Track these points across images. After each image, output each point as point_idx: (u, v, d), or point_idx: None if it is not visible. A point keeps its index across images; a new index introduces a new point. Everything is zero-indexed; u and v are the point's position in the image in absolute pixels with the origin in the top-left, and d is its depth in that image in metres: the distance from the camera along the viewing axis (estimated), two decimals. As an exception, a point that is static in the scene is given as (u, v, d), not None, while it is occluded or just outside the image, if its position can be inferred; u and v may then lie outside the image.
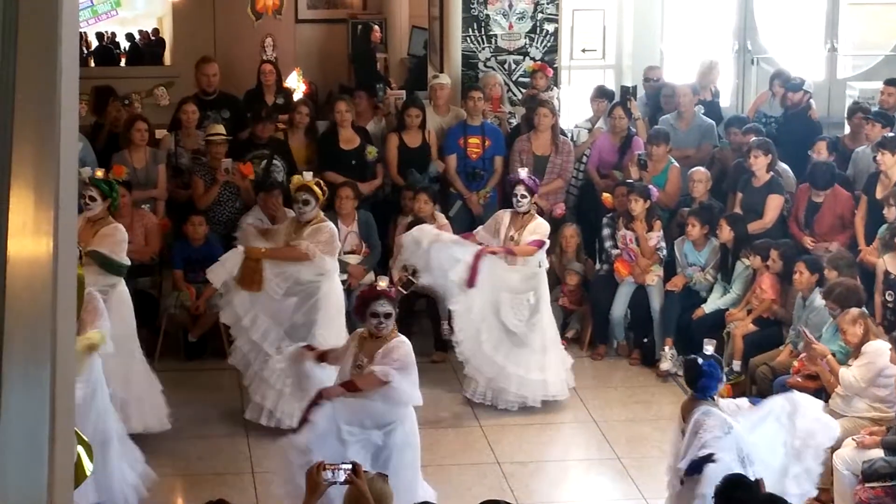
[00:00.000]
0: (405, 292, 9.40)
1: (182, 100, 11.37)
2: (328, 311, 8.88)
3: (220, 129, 10.64)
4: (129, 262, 8.74)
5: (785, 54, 13.59)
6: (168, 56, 18.98)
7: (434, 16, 12.59)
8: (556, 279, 10.60)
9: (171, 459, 8.62)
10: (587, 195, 11.36)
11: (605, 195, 10.76)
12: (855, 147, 10.91)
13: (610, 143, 11.32)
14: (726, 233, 10.00)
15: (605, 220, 10.59)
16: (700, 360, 6.78)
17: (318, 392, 7.21)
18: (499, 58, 12.02)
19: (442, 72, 11.92)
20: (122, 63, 20.45)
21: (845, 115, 11.84)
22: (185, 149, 10.91)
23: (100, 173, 8.97)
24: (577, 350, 10.55)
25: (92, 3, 17.18)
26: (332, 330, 8.72)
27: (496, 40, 12.00)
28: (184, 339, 10.31)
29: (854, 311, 8.22)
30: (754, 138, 10.58)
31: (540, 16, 12.00)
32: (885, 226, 9.44)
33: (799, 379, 8.48)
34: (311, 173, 9.38)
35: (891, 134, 10.15)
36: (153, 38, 20.95)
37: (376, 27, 16.02)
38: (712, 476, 6.20)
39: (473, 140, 11.05)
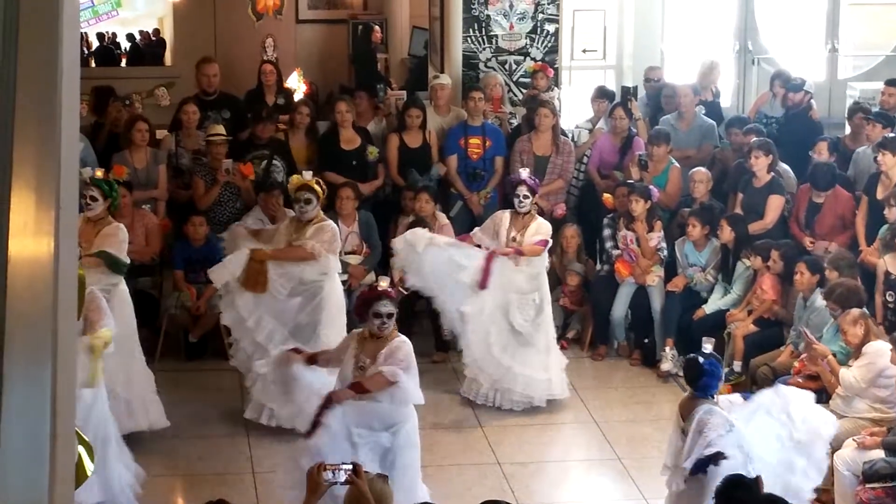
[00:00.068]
0: (406, 293, 9.43)
1: (183, 100, 11.37)
2: (331, 311, 8.90)
3: (220, 129, 10.64)
4: (129, 261, 8.76)
5: (786, 55, 13.59)
6: (169, 56, 18.99)
7: (435, 16, 12.59)
8: (556, 280, 10.60)
9: (171, 459, 8.63)
10: (588, 196, 11.36)
11: (606, 196, 10.76)
12: (855, 147, 10.91)
13: (611, 144, 11.32)
14: (727, 233, 10.00)
15: (605, 221, 10.59)
16: (701, 359, 6.78)
17: (328, 396, 7.17)
18: (499, 58, 12.02)
19: (442, 72, 11.92)
20: (123, 63, 20.46)
21: (846, 116, 11.84)
22: (185, 149, 10.91)
23: (99, 173, 8.97)
24: (577, 350, 10.57)
25: (93, 3, 17.20)
26: (335, 329, 8.72)
27: (497, 41, 12.00)
28: (184, 340, 10.31)
29: (855, 311, 8.21)
30: (755, 139, 10.57)
31: (541, 16, 12.00)
32: (885, 226, 9.44)
33: (800, 380, 8.48)
34: (310, 172, 9.38)
35: (891, 134, 10.14)
36: (154, 38, 20.96)
37: (377, 27, 16.03)
38: (724, 473, 6.22)
39: (474, 140, 11.05)
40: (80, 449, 3.70)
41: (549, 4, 11.98)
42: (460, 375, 9.64)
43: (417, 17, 15.14)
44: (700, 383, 6.76)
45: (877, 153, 9.97)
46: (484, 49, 11.99)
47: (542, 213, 10.21)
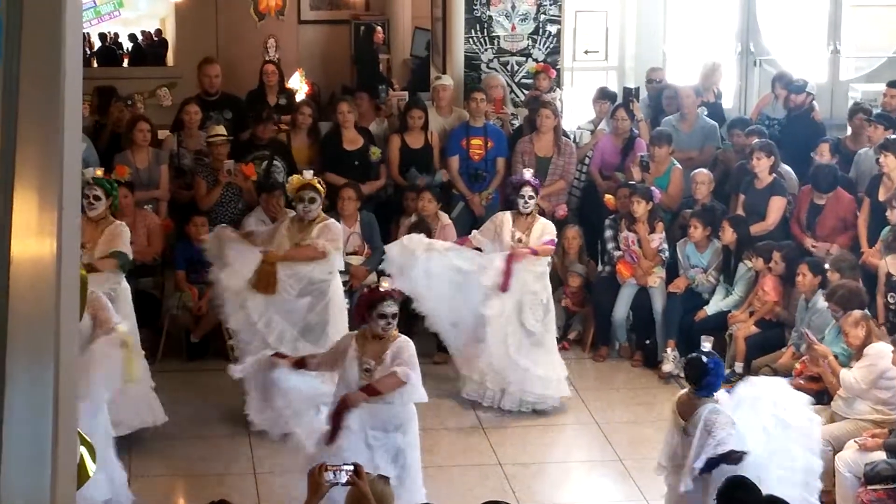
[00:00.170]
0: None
1: (184, 100, 11.38)
2: (335, 311, 8.92)
3: (221, 129, 10.64)
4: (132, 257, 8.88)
5: (787, 56, 13.59)
6: (171, 57, 19.00)
7: (437, 17, 12.60)
8: (558, 281, 10.60)
9: (172, 460, 8.64)
10: (589, 197, 11.36)
11: (608, 197, 10.76)
12: (856, 148, 10.91)
13: (612, 145, 11.32)
14: (729, 234, 10.00)
15: (607, 222, 10.59)
16: (704, 359, 6.79)
17: (342, 400, 7.12)
18: (501, 59, 12.02)
19: (444, 73, 11.92)
20: (125, 63, 20.50)
21: (847, 117, 11.84)
22: (187, 149, 10.92)
23: (99, 172, 9.00)
24: (579, 352, 10.57)
25: (95, 3, 17.19)
26: (339, 328, 8.74)
27: (499, 41, 12.00)
28: (186, 340, 10.31)
29: (856, 313, 8.21)
30: (757, 140, 10.57)
31: (543, 17, 12.00)
32: (887, 228, 9.44)
33: (801, 381, 8.48)
34: (310, 172, 9.38)
35: (894, 136, 10.14)
36: (156, 38, 20.97)
37: (379, 28, 16.02)
38: (749, 467, 6.36)
39: (476, 141, 11.05)
40: (82, 449, 3.70)
41: (551, 5, 11.98)
42: (461, 376, 9.62)
43: (419, 18, 15.13)
44: (704, 382, 6.77)
45: (879, 155, 9.97)
46: (486, 50, 11.99)
47: (542, 213, 10.20)
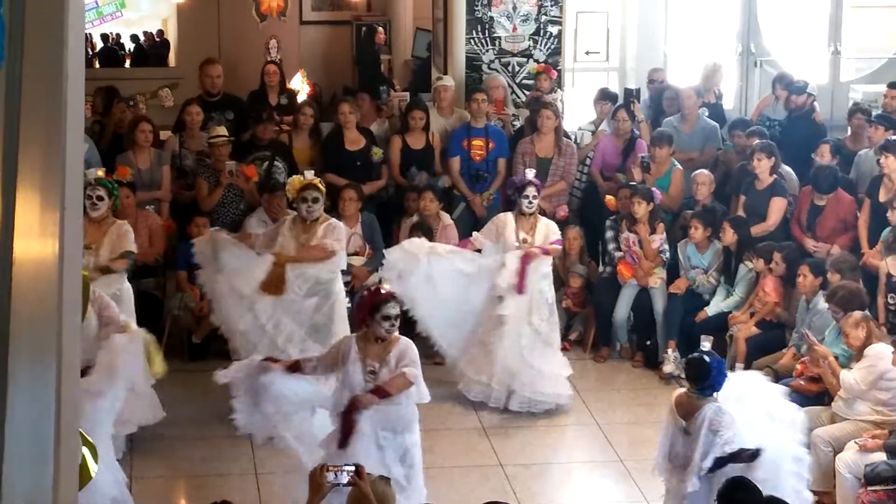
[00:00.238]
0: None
1: (186, 101, 11.38)
2: (340, 310, 8.94)
3: (222, 130, 10.65)
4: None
5: (788, 57, 13.59)
6: (172, 57, 19.01)
7: (438, 18, 12.61)
8: (559, 281, 10.60)
9: (173, 461, 8.64)
10: (590, 197, 11.37)
11: (609, 197, 10.77)
12: (856, 148, 10.92)
13: (613, 146, 11.32)
14: (729, 235, 10.00)
15: (608, 223, 10.59)
16: (707, 358, 6.79)
17: (352, 402, 7.09)
18: (502, 60, 12.03)
19: (446, 74, 11.93)
20: (127, 64, 20.49)
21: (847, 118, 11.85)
22: (189, 150, 10.93)
23: (101, 173, 9.01)
24: (580, 352, 10.57)
25: (97, 4, 17.22)
26: (342, 327, 8.75)
27: (500, 42, 12.01)
28: (187, 341, 10.32)
29: (857, 314, 8.22)
30: (758, 141, 10.58)
31: (544, 18, 12.01)
32: (888, 229, 9.45)
33: (802, 382, 8.48)
34: (311, 172, 9.39)
35: (894, 137, 10.15)
36: (158, 39, 20.97)
37: (380, 29, 16.02)
38: (766, 463, 6.45)
39: (477, 142, 11.06)
40: (84, 450, 3.71)
41: (552, 6, 11.99)
42: (466, 378, 9.61)
43: (421, 19, 15.14)
44: (707, 382, 6.77)
45: (879, 156, 9.98)
46: (487, 51, 12.00)
47: (543, 214, 10.21)
